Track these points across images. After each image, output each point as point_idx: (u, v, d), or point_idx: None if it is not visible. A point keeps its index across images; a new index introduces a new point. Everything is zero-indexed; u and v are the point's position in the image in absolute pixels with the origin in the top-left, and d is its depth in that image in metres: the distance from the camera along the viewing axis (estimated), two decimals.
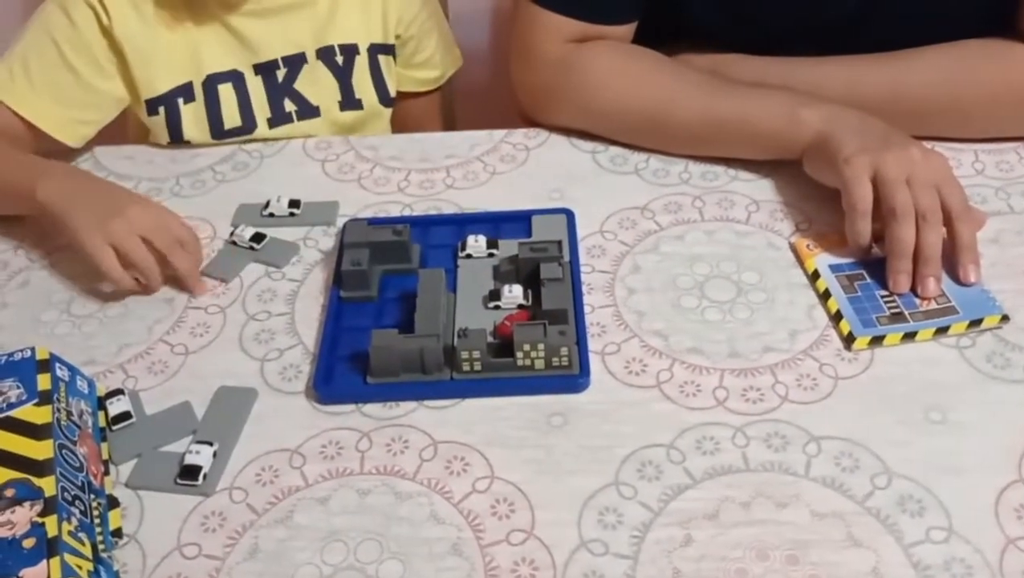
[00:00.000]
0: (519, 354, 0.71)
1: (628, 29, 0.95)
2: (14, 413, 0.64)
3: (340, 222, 0.88)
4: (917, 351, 0.73)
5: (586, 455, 0.68)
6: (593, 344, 0.75)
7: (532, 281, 0.78)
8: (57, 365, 0.69)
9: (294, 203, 0.90)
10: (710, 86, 0.90)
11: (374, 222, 0.84)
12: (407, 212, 0.90)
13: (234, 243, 0.86)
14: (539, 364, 0.72)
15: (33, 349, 0.69)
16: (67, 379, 0.69)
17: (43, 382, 0.67)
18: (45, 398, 0.66)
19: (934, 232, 0.75)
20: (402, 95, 1.11)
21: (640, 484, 0.66)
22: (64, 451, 0.63)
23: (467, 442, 0.69)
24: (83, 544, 0.59)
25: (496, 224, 0.86)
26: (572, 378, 0.72)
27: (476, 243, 0.82)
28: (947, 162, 0.78)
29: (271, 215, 0.89)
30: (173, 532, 0.65)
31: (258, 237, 0.86)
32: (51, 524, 0.58)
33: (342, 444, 0.70)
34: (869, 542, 0.62)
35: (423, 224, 0.87)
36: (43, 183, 0.82)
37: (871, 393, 0.71)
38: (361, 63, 1.03)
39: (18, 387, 0.66)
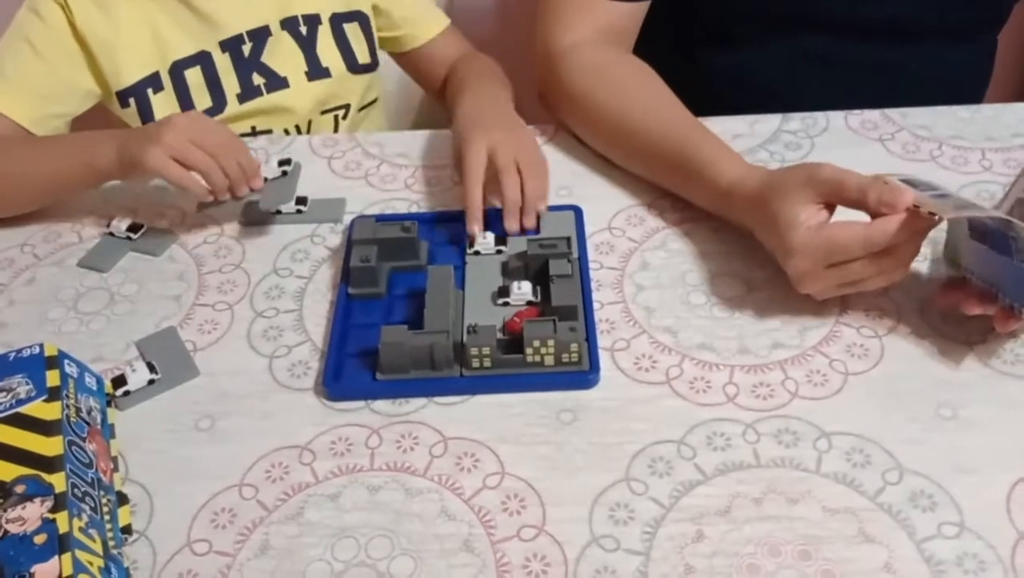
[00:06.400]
0: (529, 350, 0.71)
1: (637, 9, 0.95)
2: (23, 409, 0.64)
3: (347, 219, 0.88)
4: (928, 347, 0.73)
5: (597, 451, 0.68)
6: (602, 340, 0.75)
7: (541, 277, 0.78)
8: (66, 361, 0.69)
9: (301, 200, 0.89)
10: (677, 111, 0.87)
11: (382, 219, 0.84)
12: (414, 209, 0.90)
13: (111, 234, 0.88)
14: (549, 360, 0.71)
15: (41, 345, 0.69)
16: (76, 376, 0.69)
17: (52, 378, 0.67)
18: (54, 394, 0.66)
19: None
20: (415, 52, 1.10)
21: (651, 480, 0.66)
22: (74, 447, 0.63)
23: (477, 438, 0.69)
24: (94, 540, 0.59)
25: None
26: (582, 374, 0.72)
27: (484, 240, 0.82)
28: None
29: (278, 212, 0.89)
30: (183, 529, 0.65)
31: (134, 228, 0.88)
32: (62, 520, 0.58)
33: (352, 441, 0.70)
34: (881, 538, 0.62)
35: (431, 221, 0.86)
36: (97, 155, 0.84)
37: (882, 389, 0.70)
38: (324, 32, 1.04)
39: (27, 383, 0.66)
